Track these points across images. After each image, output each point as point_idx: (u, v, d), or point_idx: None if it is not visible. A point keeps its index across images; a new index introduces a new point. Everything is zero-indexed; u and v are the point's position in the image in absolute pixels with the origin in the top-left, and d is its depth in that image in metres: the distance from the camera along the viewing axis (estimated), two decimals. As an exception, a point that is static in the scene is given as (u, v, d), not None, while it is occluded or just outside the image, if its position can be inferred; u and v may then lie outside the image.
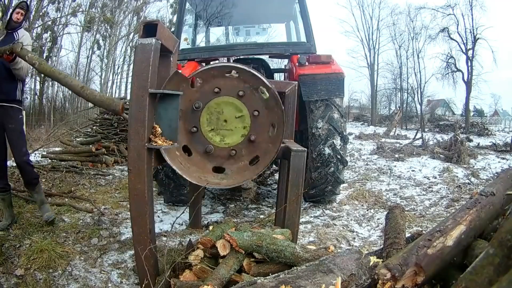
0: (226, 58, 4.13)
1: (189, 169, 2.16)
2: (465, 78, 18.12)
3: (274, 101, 2.24)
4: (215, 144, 2.26)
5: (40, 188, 3.21)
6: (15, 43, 2.68)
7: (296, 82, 2.84)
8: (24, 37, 3.10)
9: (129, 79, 18.14)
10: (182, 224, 3.33)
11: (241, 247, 1.68)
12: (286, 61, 4.75)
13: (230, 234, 1.72)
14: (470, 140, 10.43)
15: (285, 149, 2.35)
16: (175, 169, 2.07)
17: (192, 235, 3.02)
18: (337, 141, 3.65)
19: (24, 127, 3.34)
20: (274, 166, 4.76)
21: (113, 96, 18.09)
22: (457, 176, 5.48)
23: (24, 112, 3.19)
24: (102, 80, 18.95)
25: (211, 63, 3.81)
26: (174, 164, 2.07)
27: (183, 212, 2.47)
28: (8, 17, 3.20)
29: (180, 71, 2.15)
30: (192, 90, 2.20)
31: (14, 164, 5.16)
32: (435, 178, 5.48)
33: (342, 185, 4.22)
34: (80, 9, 15.85)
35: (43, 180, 4.55)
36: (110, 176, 5.33)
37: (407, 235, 1.84)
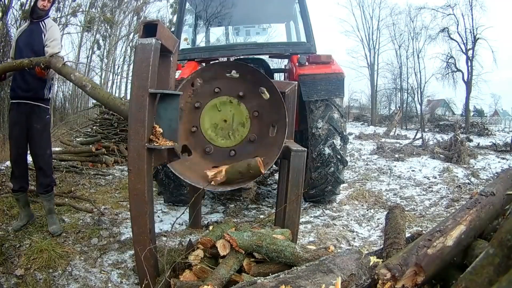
0: (226, 58, 4.13)
1: (190, 172, 2.16)
2: (465, 78, 18.11)
3: (276, 101, 2.23)
4: (215, 144, 2.26)
5: (52, 197, 3.04)
6: (55, 56, 2.44)
7: (296, 82, 2.84)
8: (52, 28, 2.87)
9: (129, 79, 18.15)
10: (182, 224, 3.33)
11: (241, 247, 1.68)
12: (286, 61, 4.75)
13: (230, 234, 1.72)
14: (470, 140, 10.43)
15: (285, 149, 2.35)
16: (174, 171, 2.06)
17: (192, 235, 3.02)
18: (337, 141, 3.65)
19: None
20: (274, 166, 4.76)
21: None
22: (457, 176, 5.48)
23: (51, 112, 3.08)
24: (102, 80, 18.95)
25: (211, 63, 3.82)
26: (172, 165, 2.07)
27: (183, 213, 2.47)
28: (32, 4, 2.94)
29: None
30: (192, 90, 2.20)
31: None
32: (435, 178, 5.48)
33: (342, 185, 4.22)
34: (80, 9, 15.82)
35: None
36: (110, 176, 5.33)
37: (407, 235, 1.84)
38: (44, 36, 2.84)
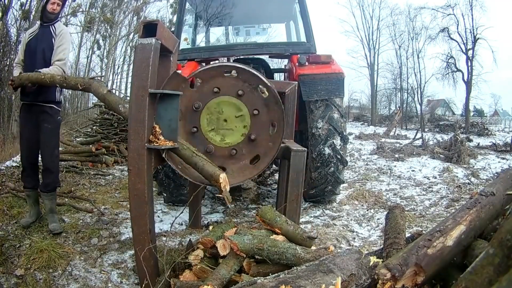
0: (226, 58, 4.13)
1: (190, 169, 2.16)
2: (465, 78, 18.11)
3: (273, 100, 2.24)
4: (216, 144, 2.26)
5: (55, 196, 3.07)
6: (97, 80, 2.38)
7: (296, 82, 2.84)
8: (62, 34, 2.86)
9: (129, 79, 18.14)
10: (182, 224, 3.33)
11: (243, 251, 1.68)
12: (286, 61, 4.75)
13: (231, 238, 1.72)
14: (470, 140, 10.43)
15: (285, 149, 2.35)
16: (175, 169, 2.06)
17: (192, 235, 3.02)
18: (337, 141, 3.65)
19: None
20: (274, 166, 4.76)
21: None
22: (457, 176, 5.48)
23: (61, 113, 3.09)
24: (102, 80, 18.94)
25: (211, 63, 3.81)
26: (174, 164, 2.07)
27: (182, 212, 2.46)
28: (42, 8, 2.94)
29: (179, 71, 2.15)
30: (191, 91, 2.20)
31: (14, 164, 5.22)
32: (435, 178, 5.48)
33: (342, 185, 4.22)
34: (80, 9, 15.83)
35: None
36: (110, 176, 5.33)
37: (407, 235, 1.84)
38: (54, 40, 2.86)
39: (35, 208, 3.06)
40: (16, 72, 2.89)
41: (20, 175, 3.38)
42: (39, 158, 3.02)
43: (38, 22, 2.93)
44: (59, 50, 2.85)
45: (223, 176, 1.87)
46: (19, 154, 3.09)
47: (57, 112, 2.94)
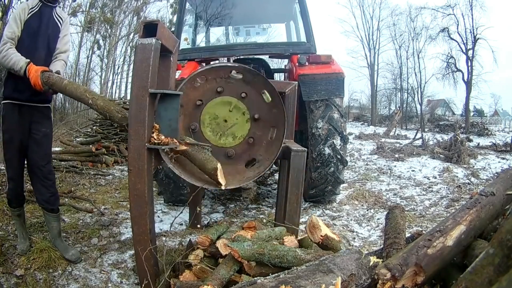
0: (226, 58, 4.13)
1: (187, 170, 2.15)
2: (465, 78, 18.13)
3: (276, 105, 2.23)
4: (214, 143, 2.26)
5: (60, 216, 2.72)
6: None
7: (296, 82, 2.84)
8: (67, 21, 2.56)
9: (129, 79, 18.16)
10: (182, 224, 3.34)
11: (243, 257, 1.68)
12: (286, 61, 4.75)
13: (231, 245, 1.72)
14: (470, 140, 10.43)
15: (285, 149, 2.35)
16: (172, 169, 2.06)
17: (192, 235, 3.02)
18: (337, 141, 3.65)
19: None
20: (274, 166, 4.76)
21: (113, 97, 18.11)
22: (457, 176, 5.48)
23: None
24: (102, 80, 18.96)
25: (211, 63, 3.81)
26: (171, 164, 2.06)
27: (181, 212, 2.46)
28: None
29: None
30: (195, 87, 2.20)
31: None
32: (435, 178, 5.48)
33: (342, 185, 4.22)
34: (80, 9, 15.83)
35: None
36: (110, 176, 5.33)
37: (407, 235, 1.84)
38: (60, 27, 2.54)
39: (24, 227, 2.68)
40: (17, 56, 2.26)
41: (6, 192, 2.69)
42: (34, 170, 2.54)
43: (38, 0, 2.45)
44: (65, 40, 2.57)
45: (219, 166, 1.93)
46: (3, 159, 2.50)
47: (51, 113, 2.63)
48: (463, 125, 16.97)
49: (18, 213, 2.61)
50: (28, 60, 2.26)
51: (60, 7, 2.66)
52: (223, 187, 2.01)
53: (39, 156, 2.51)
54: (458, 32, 18.15)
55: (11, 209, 2.64)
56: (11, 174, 2.49)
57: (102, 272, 2.44)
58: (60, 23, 2.55)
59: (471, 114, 21.98)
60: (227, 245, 1.76)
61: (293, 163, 2.26)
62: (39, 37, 2.43)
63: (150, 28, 1.78)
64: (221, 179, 1.98)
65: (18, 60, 2.25)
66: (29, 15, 2.40)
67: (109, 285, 2.30)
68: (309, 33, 4.02)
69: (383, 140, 10.42)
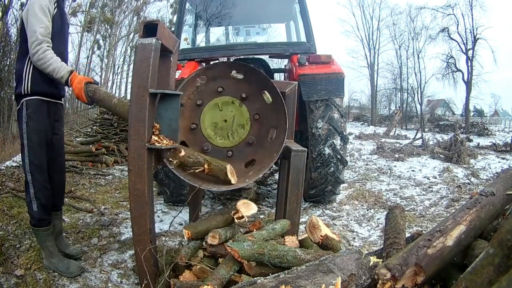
0: (226, 58, 4.13)
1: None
2: (465, 78, 18.12)
3: (277, 106, 2.23)
4: (213, 143, 2.26)
5: (62, 214, 2.63)
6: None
7: (296, 82, 2.84)
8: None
9: (129, 79, 18.16)
10: (182, 224, 3.33)
11: (244, 258, 1.68)
12: (286, 61, 4.75)
13: (231, 246, 1.72)
14: (470, 140, 10.43)
15: (285, 149, 2.34)
16: (172, 169, 2.06)
17: (192, 235, 3.01)
18: (337, 141, 3.65)
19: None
20: (274, 166, 4.75)
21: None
22: (457, 176, 5.48)
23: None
24: (102, 80, 18.95)
25: (211, 63, 3.81)
26: (171, 165, 2.06)
27: (180, 211, 2.46)
28: None
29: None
30: (195, 87, 2.20)
31: (14, 164, 5.21)
32: (435, 178, 5.48)
33: (342, 185, 4.22)
34: (80, 9, 15.82)
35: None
36: (110, 176, 5.33)
37: (407, 235, 1.84)
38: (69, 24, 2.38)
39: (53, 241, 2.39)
40: (57, 63, 1.98)
41: (30, 213, 2.24)
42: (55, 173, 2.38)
43: None
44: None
45: (229, 167, 1.94)
46: (27, 169, 2.16)
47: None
48: (463, 125, 16.97)
49: (51, 230, 2.26)
50: (72, 69, 2.03)
51: None
52: (233, 185, 2.02)
53: (62, 157, 2.38)
54: (458, 32, 18.18)
55: (43, 228, 2.21)
56: (40, 184, 2.14)
57: (102, 272, 2.44)
58: (68, 19, 2.33)
59: (471, 114, 21.97)
60: (227, 245, 1.76)
61: (293, 163, 2.26)
62: (63, 36, 2.15)
63: (150, 28, 1.78)
64: (232, 178, 1.99)
65: (59, 68, 2.00)
66: (55, 10, 2.09)
67: (109, 285, 2.30)
68: (309, 33, 4.01)
69: (383, 140, 10.42)
